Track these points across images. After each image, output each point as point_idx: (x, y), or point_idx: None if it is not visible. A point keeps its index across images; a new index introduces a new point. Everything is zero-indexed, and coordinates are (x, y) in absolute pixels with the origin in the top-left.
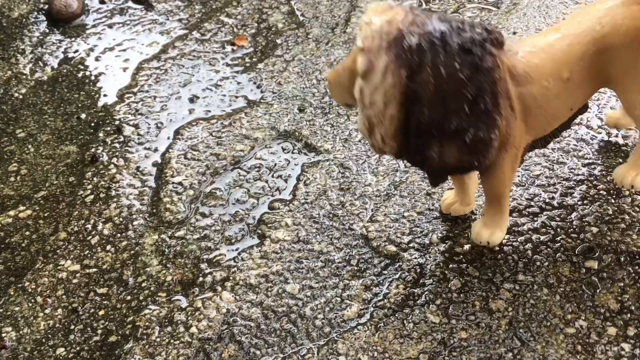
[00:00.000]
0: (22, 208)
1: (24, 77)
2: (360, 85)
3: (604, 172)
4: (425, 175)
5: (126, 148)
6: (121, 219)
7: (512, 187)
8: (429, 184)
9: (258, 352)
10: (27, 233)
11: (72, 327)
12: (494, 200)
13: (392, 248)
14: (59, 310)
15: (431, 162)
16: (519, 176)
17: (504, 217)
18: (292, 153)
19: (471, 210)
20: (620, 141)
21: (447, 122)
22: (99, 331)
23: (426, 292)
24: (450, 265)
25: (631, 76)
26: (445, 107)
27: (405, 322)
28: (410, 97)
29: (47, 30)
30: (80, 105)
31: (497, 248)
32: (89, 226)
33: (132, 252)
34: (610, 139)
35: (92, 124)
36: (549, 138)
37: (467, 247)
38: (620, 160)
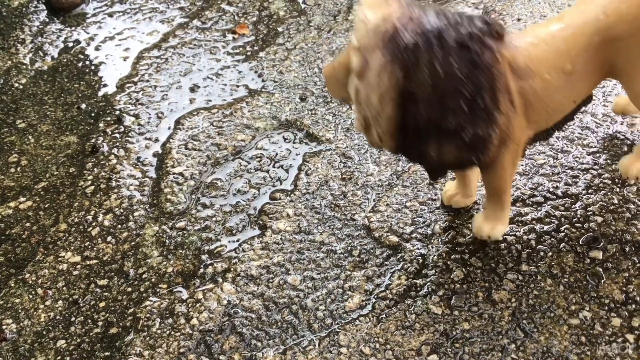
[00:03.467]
0: (22, 199)
1: (24, 67)
2: (356, 84)
3: (608, 161)
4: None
5: (126, 138)
6: (122, 210)
7: (514, 179)
8: (429, 179)
9: (259, 344)
10: (28, 224)
11: (73, 319)
12: (495, 195)
13: (394, 238)
14: (60, 302)
15: (430, 159)
16: (522, 165)
17: (505, 211)
18: (294, 143)
19: (473, 202)
20: (625, 129)
21: (445, 122)
22: (100, 323)
23: (428, 283)
24: (453, 256)
25: (638, 67)
26: (442, 106)
27: (407, 313)
28: (407, 97)
29: (47, 20)
30: (80, 95)
31: (500, 238)
32: (90, 217)
33: (132, 243)
34: (615, 127)
35: (93, 114)
36: (551, 131)
37: (469, 237)
38: (626, 148)
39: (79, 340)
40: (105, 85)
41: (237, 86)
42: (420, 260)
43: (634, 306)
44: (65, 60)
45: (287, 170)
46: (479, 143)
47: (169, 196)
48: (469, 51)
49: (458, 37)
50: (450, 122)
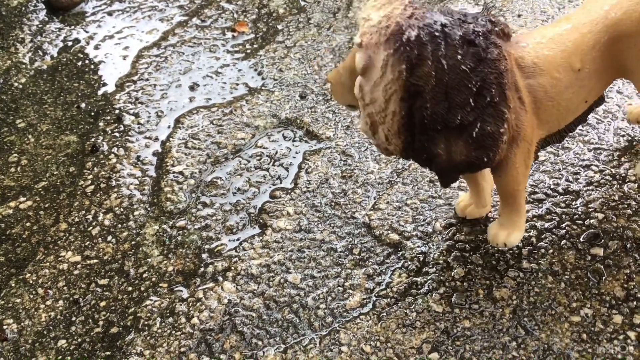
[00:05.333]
0: (22, 199)
1: (24, 66)
2: (360, 82)
3: (609, 157)
4: (435, 175)
5: (126, 137)
6: (122, 209)
7: (527, 184)
8: (440, 185)
9: (260, 343)
10: (28, 224)
11: (74, 318)
12: (509, 199)
13: (395, 236)
14: (60, 302)
15: (439, 159)
16: None
17: (521, 216)
18: (294, 141)
19: (487, 212)
20: (626, 125)
21: (452, 116)
22: (101, 322)
23: (429, 281)
24: (454, 254)
25: None
26: (448, 100)
27: (408, 311)
28: (412, 92)
29: (47, 19)
30: (80, 94)
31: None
32: (90, 217)
33: (133, 242)
34: (616, 123)
35: (92, 113)
36: (563, 133)
37: (470, 235)
38: (627, 144)
39: (79, 339)
40: (104, 84)
41: (237, 84)
42: (421, 258)
43: (635, 303)
44: (64, 59)
45: (287, 169)
46: (488, 140)
47: (169, 195)
48: (474, 46)
49: (463, 32)
50: (456, 116)
